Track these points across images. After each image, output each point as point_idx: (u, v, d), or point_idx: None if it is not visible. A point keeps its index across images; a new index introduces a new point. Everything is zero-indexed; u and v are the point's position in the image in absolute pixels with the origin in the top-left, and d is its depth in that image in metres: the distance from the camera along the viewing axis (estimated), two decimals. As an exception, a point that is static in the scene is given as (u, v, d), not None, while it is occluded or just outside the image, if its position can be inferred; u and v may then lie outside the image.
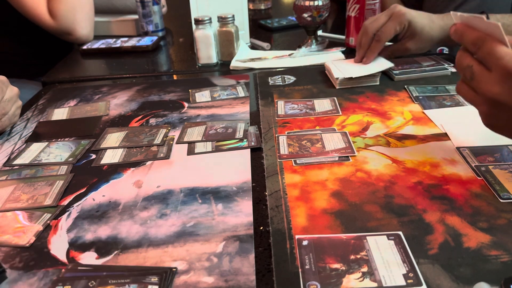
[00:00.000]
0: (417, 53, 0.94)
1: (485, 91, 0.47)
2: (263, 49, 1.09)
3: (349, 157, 0.60)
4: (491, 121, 0.49)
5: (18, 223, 0.51)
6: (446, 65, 0.87)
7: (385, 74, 0.87)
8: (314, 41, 1.07)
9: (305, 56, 1.01)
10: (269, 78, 0.91)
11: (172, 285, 0.41)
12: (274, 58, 1.02)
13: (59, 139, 0.71)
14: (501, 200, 0.49)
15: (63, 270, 0.43)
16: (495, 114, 0.48)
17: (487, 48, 0.46)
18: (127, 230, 0.49)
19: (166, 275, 0.42)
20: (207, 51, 0.99)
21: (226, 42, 1.00)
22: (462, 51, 0.50)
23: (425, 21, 0.84)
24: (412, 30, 0.84)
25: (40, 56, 1.37)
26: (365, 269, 0.41)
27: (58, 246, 0.47)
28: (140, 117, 0.77)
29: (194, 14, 1.03)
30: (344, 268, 0.41)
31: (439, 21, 0.85)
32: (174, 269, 0.42)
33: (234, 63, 0.99)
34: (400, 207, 0.49)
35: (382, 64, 0.86)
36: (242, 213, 0.50)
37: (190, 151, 0.65)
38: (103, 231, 0.49)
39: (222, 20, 0.98)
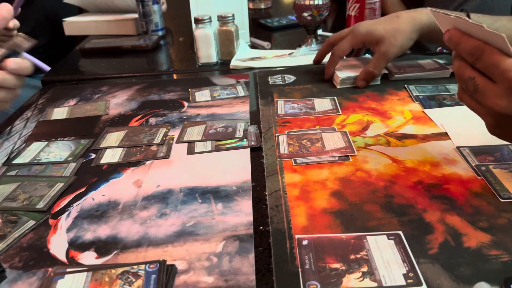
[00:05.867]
0: (412, 52, 0.94)
1: (491, 105, 0.45)
2: (263, 48, 1.09)
3: (349, 157, 0.60)
4: (497, 131, 0.48)
5: (7, 226, 0.51)
6: (447, 66, 0.87)
7: (386, 74, 0.87)
8: (314, 40, 1.07)
9: (305, 56, 1.01)
10: (269, 77, 0.91)
11: (173, 281, 0.41)
12: (274, 58, 1.01)
13: (58, 139, 0.71)
14: (502, 200, 0.49)
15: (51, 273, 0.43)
16: (501, 125, 0.46)
17: (490, 60, 0.44)
18: (127, 230, 0.49)
19: (164, 264, 0.42)
20: (207, 50, 0.99)
21: (226, 41, 1.00)
22: (460, 61, 0.48)
23: (386, 23, 0.82)
24: (376, 37, 0.81)
25: (41, 53, 1.37)
26: (365, 268, 0.41)
27: (58, 245, 0.47)
28: (139, 116, 0.77)
29: (194, 13, 1.03)
30: (344, 268, 0.41)
31: (407, 14, 0.82)
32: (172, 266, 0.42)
33: (234, 62, 0.99)
34: (400, 207, 0.49)
35: None
36: (242, 213, 0.50)
37: (190, 151, 0.64)
38: (102, 231, 0.49)
39: (222, 19, 0.98)
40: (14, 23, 1.04)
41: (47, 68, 1.26)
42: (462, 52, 0.47)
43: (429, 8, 0.51)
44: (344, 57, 0.99)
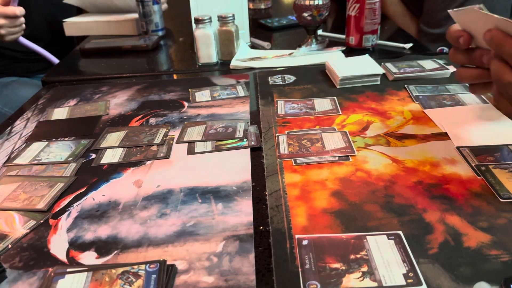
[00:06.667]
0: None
1: None
2: (263, 48, 1.09)
3: (349, 157, 0.60)
4: None
5: (7, 226, 0.51)
6: (447, 67, 0.87)
7: (385, 74, 0.87)
8: (314, 40, 1.07)
9: (305, 56, 1.01)
10: (269, 77, 0.91)
11: (173, 281, 0.41)
12: (274, 58, 1.02)
13: (59, 139, 0.71)
14: (501, 200, 0.49)
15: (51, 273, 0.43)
16: None
17: None
18: (127, 230, 0.49)
19: (164, 264, 0.42)
20: (207, 51, 0.99)
21: (226, 41, 1.00)
22: (499, 62, 0.46)
23: None
24: None
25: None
26: (365, 268, 0.41)
27: (58, 245, 0.47)
28: (140, 116, 0.77)
29: (194, 14, 1.03)
30: (344, 268, 0.41)
31: None
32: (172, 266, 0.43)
33: (234, 63, 0.99)
34: (400, 207, 0.49)
35: (377, 69, 0.86)
36: (242, 213, 0.50)
37: (190, 151, 0.64)
38: (103, 231, 0.49)
39: (222, 20, 0.98)
40: (20, 10, 1.09)
41: (56, 60, 1.26)
42: (505, 54, 0.45)
43: (450, 10, 0.49)
44: (344, 57, 0.99)
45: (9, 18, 1.10)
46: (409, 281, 0.39)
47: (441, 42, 1.21)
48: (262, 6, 1.60)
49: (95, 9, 1.39)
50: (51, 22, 1.47)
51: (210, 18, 0.97)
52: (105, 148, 0.67)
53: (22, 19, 1.13)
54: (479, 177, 0.54)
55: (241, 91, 0.85)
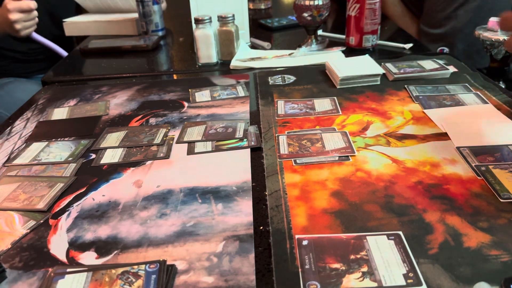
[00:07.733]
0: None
1: None
2: (263, 48, 1.09)
3: (349, 157, 0.60)
4: None
5: (7, 226, 0.51)
6: (447, 67, 0.87)
7: (385, 74, 0.87)
8: (314, 40, 1.07)
9: (305, 56, 1.01)
10: (269, 77, 0.91)
11: (173, 281, 0.41)
12: (274, 58, 1.02)
13: (59, 139, 0.71)
14: (501, 200, 0.49)
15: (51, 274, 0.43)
16: None
17: None
18: (127, 230, 0.49)
19: (164, 264, 0.42)
20: (207, 51, 0.99)
21: (226, 41, 1.00)
22: None
23: None
24: None
25: (40, 54, 1.37)
26: (365, 269, 0.41)
27: (58, 245, 0.47)
28: (140, 116, 0.77)
29: (194, 14, 1.03)
30: (344, 268, 0.41)
31: None
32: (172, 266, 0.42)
33: (234, 63, 0.99)
34: (400, 207, 0.49)
35: (377, 69, 0.86)
36: (242, 213, 0.50)
37: (190, 151, 0.64)
38: (103, 231, 0.49)
39: (222, 20, 0.98)
40: (33, 3, 1.10)
41: (64, 53, 1.26)
42: None
43: None
44: (344, 57, 0.99)
45: (24, 12, 1.10)
46: (409, 281, 0.39)
47: (441, 42, 1.21)
48: (262, 6, 1.60)
49: (95, 9, 1.39)
50: (51, 22, 1.47)
51: (210, 18, 0.97)
52: (105, 148, 0.67)
53: (36, 13, 1.13)
54: (479, 177, 0.54)
55: (241, 91, 0.85)
